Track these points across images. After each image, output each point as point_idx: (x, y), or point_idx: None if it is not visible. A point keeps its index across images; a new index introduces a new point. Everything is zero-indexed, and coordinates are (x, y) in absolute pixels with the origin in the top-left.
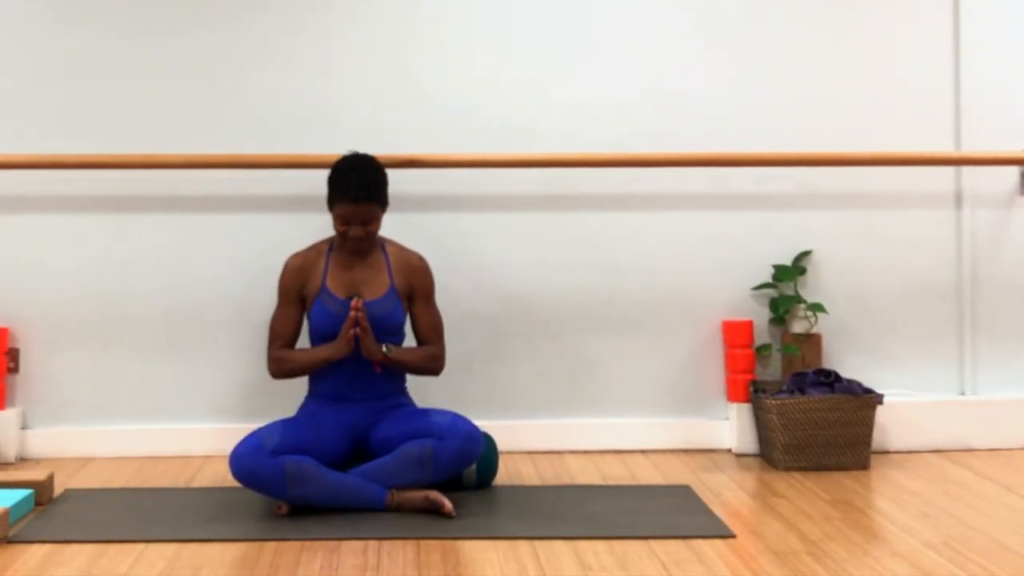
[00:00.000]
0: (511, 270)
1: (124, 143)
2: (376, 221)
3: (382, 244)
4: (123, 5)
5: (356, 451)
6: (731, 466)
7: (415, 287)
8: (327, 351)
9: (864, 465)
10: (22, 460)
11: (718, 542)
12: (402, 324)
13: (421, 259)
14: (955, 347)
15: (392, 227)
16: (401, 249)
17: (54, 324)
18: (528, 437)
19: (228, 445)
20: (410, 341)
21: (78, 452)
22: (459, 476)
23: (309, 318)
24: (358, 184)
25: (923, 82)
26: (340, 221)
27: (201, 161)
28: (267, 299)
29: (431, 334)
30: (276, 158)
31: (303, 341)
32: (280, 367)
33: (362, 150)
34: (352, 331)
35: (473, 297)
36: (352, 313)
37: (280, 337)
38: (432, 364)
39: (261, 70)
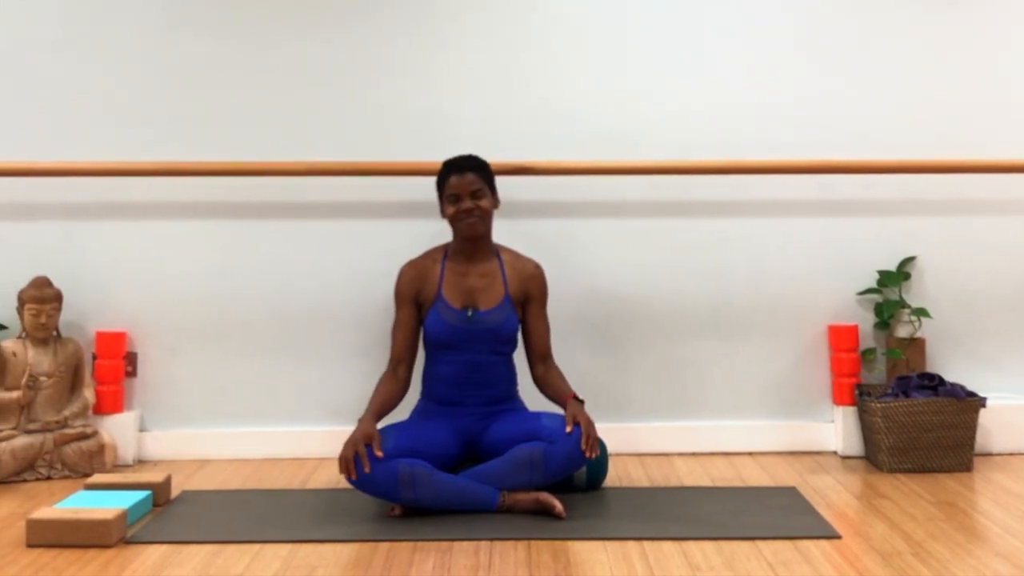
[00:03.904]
0: (621, 275)
1: (241, 151)
2: (485, 197)
3: (497, 251)
4: (241, 16)
5: (467, 454)
6: (836, 468)
7: (531, 294)
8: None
9: (967, 467)
10: (140, 462)
11: (824, 542)
12: (515, 332)
13: (537, 267)
14: None
15: (504, 233)
16: (516, 257)
17: (172, 329)
18: (637, 440)
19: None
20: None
21: (195, 454)
22: (570, 478)
23: (424, 327)
24: (463, 158)
25: None
26: (451, 201)
27: (317, 168)
28: (381, 304)
29: (546, 341)
30: (391, 165)
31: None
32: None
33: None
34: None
35: (584, 301)
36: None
37: (396, 353)
38: None
39: (376, 79)
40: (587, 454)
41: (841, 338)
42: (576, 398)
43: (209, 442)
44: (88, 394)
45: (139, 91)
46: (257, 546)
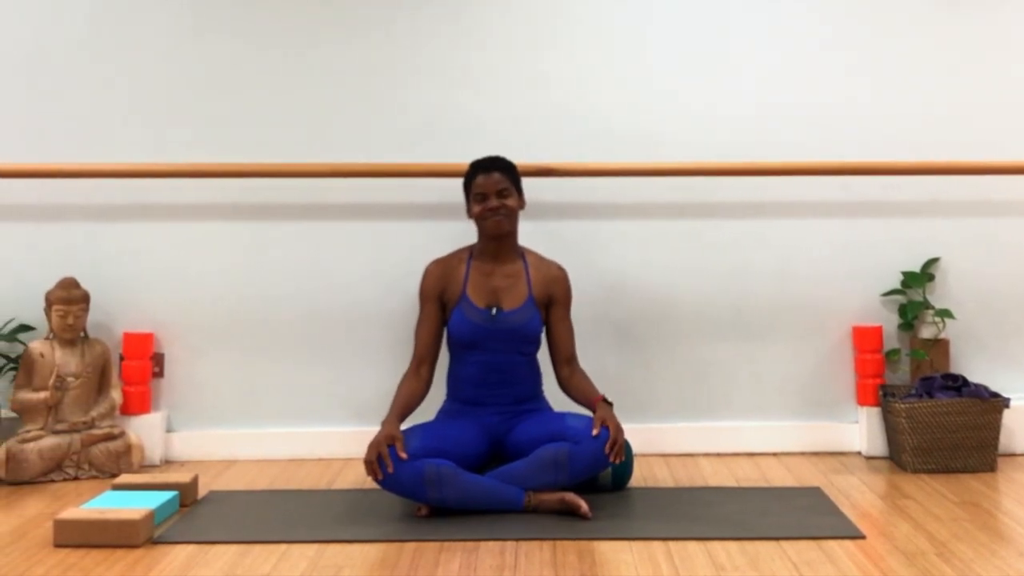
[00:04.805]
0: (645, 276)
1: (266, 152)
2: (511, 196)
3: (522, 253)
4: (265, 18)
5: (493, 454)
6: (860, 468)
7: (555, 296)
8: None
9: (991, 467)
10: (167, 462)
11: (848, 542)
12: (539, 333)
13: (560, 269)
14: None
15: (529, 234)
16: (541, 259)
17: (198, 329)
18: (662, 440)
19: None
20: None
21: (222, 455)
22: (595, 478)
23: (449, 327)
24: (490, 158)
25: None
26: (478, 200)
27: (341, 170)
28: (406, 304)
29: (571, 344)
30: (414, 167)
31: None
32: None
33: None
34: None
35: (608, 302)
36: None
37: (419, 351)
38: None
39: (400, 81)
40: (612, 459)
41: (865, 339)
42: (605, 401)
43: (236, 442)
44: (115, 395)
45: (165, 93)
46: (284, 546)
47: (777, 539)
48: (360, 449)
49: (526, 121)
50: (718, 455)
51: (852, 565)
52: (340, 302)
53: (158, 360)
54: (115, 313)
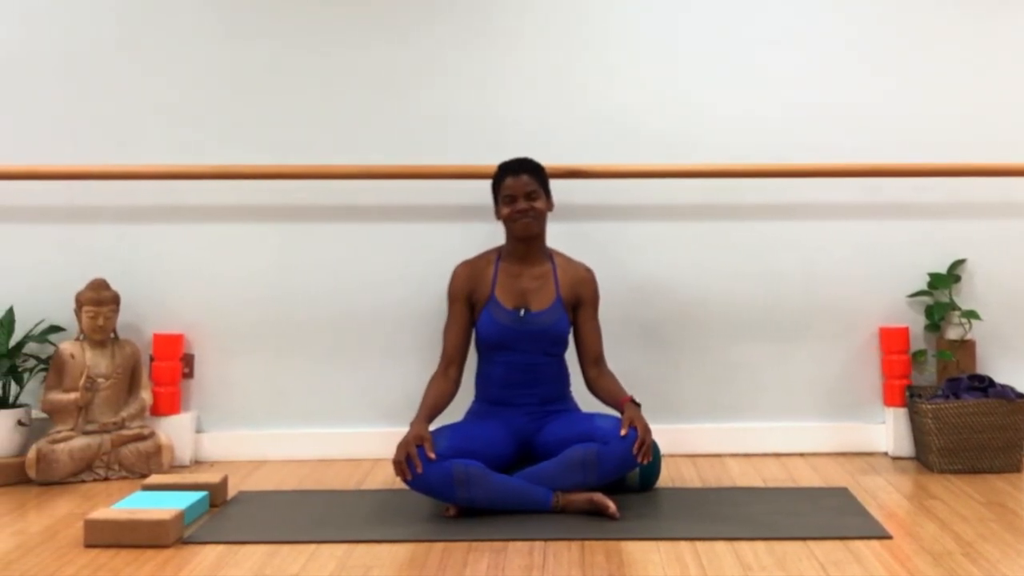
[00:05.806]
0: (673, 277)
1: (296, 154)
2: (540, 199)
3: (550, 255)
4: (295, 20)
5: (521, 454)
6: (887, 469)
7: (582, 297)
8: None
9: (1017, 468)
10: (197, 463)
11: (875, 543)
12: (567, 334)
13: (588, 270)
14: None
15: (558, 236)
16: (568, 261)
17: (228, 331)
18: (689, 441)
19: None
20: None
21: (251, 455)
22: (623, 479)
23: (477, 328)
24: (518, 160)
25: None
26: (506, 202)
27: (370, 172)
28: (435, 306)
29: (598, 345)
30: (444, 169)
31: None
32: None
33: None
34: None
35: (635, 303)
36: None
37: (448, 352)
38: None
39: (430, 83)
40: (639, 459)
41: (892, 340)
42: (633, 401)
43: (265, 443)
44: (145, 395)
45: (195, 95)
46: (313, 546)
47: (804, 539)
48: (389, 450)
49: (554, 123)
50: (745, 456)
51: (879, 565)
52: (369, 303)
53: (188, 361)
54: (145, 314)
